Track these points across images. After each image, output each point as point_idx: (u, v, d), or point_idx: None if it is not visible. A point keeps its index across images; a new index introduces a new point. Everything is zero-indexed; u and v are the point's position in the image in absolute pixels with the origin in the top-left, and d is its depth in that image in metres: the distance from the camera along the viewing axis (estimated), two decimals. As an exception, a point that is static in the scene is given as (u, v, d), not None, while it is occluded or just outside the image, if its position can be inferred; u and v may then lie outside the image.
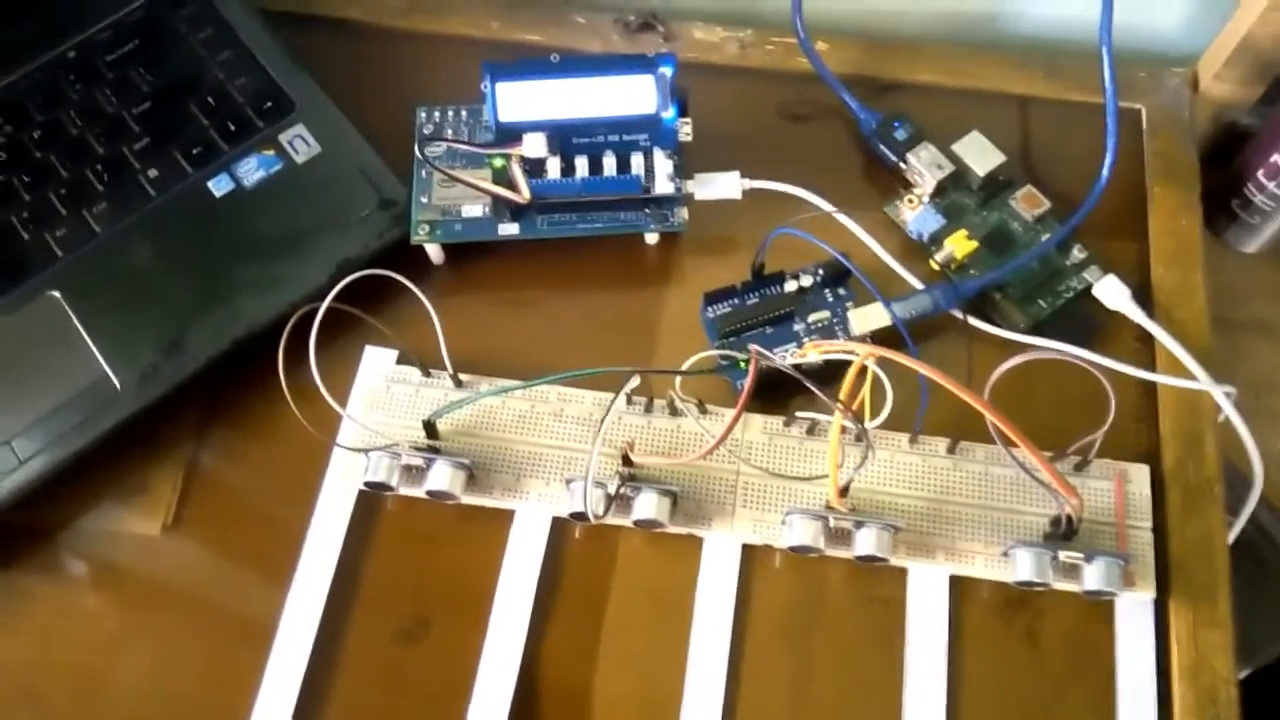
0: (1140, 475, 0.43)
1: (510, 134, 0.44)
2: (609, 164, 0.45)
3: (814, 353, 0.42)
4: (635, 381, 0.41)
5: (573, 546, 0.43)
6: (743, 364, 0.40)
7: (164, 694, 0.41)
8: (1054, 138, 0.52)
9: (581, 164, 0.45)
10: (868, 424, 0.39)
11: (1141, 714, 0.39)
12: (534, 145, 0.44)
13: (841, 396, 0.36)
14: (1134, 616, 0.41)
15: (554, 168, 0.45)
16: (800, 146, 0.52)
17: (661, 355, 0.47)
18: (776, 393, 0.45)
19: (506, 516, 0.43)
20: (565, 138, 0.45)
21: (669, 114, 0.44)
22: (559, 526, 0.43)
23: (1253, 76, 0.52)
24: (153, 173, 0.48)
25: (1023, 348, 0.44)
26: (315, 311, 0.39)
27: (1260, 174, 0.50)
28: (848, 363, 0.41)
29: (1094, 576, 0.39)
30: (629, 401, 0.44)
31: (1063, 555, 0.40)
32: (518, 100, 0.43)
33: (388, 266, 0.42)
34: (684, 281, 0.48)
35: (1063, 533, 0.40)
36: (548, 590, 0.42)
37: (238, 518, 0.44)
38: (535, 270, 0.49)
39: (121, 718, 0.41)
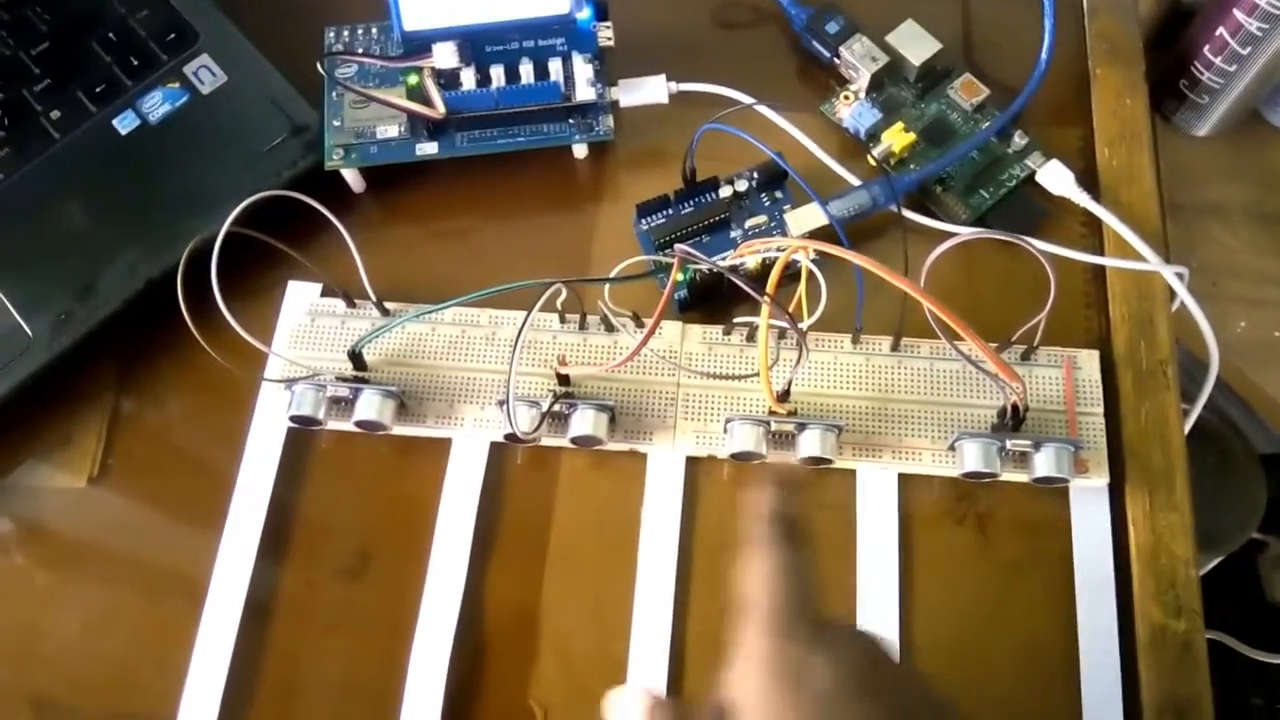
0: (1090, 361, 0.41)
1: (419, 44, 0.42)
2: (526, 72, 0.43)
3: (747, 254, 0.40)
4: (562, 294, 0.40)
5: (513, 471, 0.42)
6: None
7: (99, 649, 0.40)
8: (993, 24, 0.50)
9: (497, 73, 0.43)
10: (803, 322, 0.38)
11: (1100, 600, 0.39)
12: (444, 55, 0.42)
13: (769, 290, 0.34)
14: (1089, 503, 0.40)
15: (468, 79, 0.43)
16: (732, 49, 0.50)
17: (597, 272, 0.45)
18: (717, 304, 0.44)
19: (444, 445, 0.42)
20: (477, 45, 0.43)
21: (584, 14, 0.42)
22: (498, 452, 0.42)
23: (1197, -50, 0.51)
24: (55, 114, 0.46)
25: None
26: (223, 242, 0.37)
27: (1206, 50, 0.48)
28: (795, 273, 0.39)
29: (1044, 463, 0.38)
30: (563, 320, 0.43)
31: (1010, 444, 0.38)
32: (423, 6, 0.41)
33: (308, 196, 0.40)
34: (617, 196, 0.47)
35: (1010, 422, 0.39)
36: (489, 517, 0.41)
37: (167, 465, 0.43)
38: (463, 193, 0.47)
39: (56, 675, 0.40)
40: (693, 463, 0.41)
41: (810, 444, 0.39)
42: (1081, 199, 0.44)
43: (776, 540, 0.30)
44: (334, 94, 0.45)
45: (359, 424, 0.41)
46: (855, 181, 0.45)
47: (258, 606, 0.40)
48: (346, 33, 0.46)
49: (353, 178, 0.45)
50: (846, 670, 0.27)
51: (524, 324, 0.35)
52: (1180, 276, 0.43)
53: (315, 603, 0.40)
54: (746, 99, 0.46)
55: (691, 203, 0.45)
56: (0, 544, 0.42)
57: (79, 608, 0.41)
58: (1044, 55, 0.45)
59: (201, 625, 0.39)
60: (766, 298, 0.34)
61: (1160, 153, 0.47)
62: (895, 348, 0.41)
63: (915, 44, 0.46)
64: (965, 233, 0.38)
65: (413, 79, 0.44)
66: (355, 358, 0.41)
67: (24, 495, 0.42)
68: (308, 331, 0.43)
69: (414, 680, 0.38)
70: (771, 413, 0.39)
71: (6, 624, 0.40)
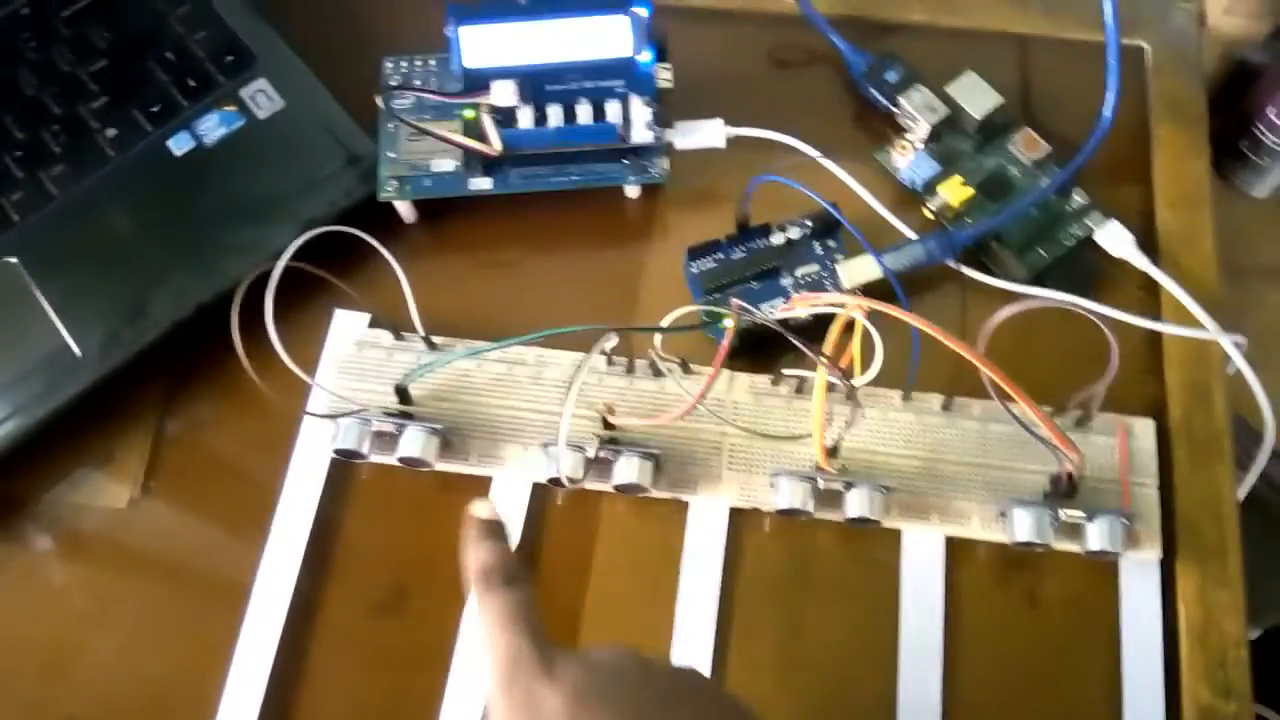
0: (1145, 430, 0.41)
1: (478, 82, 0.42)
2: (583, 112, 0.43)
3: (801, 307, 0.40)
4: (613, 341, 0.39)
5: (554, 514, 0.42)
6: (725, 320, 0.38)
7: (135, 670, 0.40)
8: (1054, 78, 0.49)
9: (555, 113, 0.43)
10: (856, 380, 0.37)
11: (1147, 677, 0.38)
12: (503, 93, 0.42)
13: (826, 350, 0.34)
14: (1139, 577, 0.39)
15: (526, 117, 0.43)
16: (788, 93, 0.50)
17: (644, 313, 0.45)
18: (765, 351, 0.43)
19: (485, 484, 0.42)
20: (536, 85, 0.42)
21: (645, 57, 0.42)
22: (539, 493, 0.42)
23: (1263, 10, 0.50)
24: (111, 133, 0.46)
25: (1021, 298, 0.42)
26: (273, 274, 0.37)
27: (1270, 112, 0.48)
28: (847, 326, 0.39)
29: (1096, 536, 0.38)
30: (610, 363, 0.42)
31: (1063, 514, 0.38)
32: (484, 45, 0.41)
33: (358, 226, 0.40)
34: (667, 237, 0.46)
35: (1063, 491, 0.38)
36: (528, 558, 0.41)
37: (208, 489, 0.43)
38: (513, 228, 0.47)
39: (92, 694, 0.40)
40: (736, 514, 0.41)
41: (858, 504, 0.38)
42: (1140, 262, 0.44)
43: (490, 590, 0.30)
44: (390, 126, 0.45)
45: (402, 460, 0.40)
46: (909, 233, 0.45)
47: (294, 637, 0.39)
48: (405, 64, 0.46)
49: (405, 209, 0.45)
50: (573, 690, 0.27)
51: (579, 372, 0.35)
52: (1238, 346, 0.42)
53: (351, 635, 0.40)
54: (802, 146, 0.45)
55: (743, 248, 0.44)
56: (40, 561, 0.42)
57: (115, 629, 0.41)
58: (1107, 114, 0.45)
59: (237, 653, 0.39)
60: (824, 359, 0.33)
61: (1217, 213, 0.46)
62: (947, 407, 0.41)
63: (975, 96, 0.46)
64: (1030, 300, 0.38)
65: (469, 113, 0.43)
66: (401, 392, 0.41)
67: (65, 513, 0.42)
68: (353, 362, 0.43)
69: (448, 721, 0.38)
70: (819, 469, 0.39)
71: (43, 642, 0.40)
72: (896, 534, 0.40)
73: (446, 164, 0.44)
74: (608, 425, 0.41)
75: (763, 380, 0.42)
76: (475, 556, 0.32)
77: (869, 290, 0.43)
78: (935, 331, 0.33)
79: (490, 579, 0.31)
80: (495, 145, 0.42)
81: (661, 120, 0.44)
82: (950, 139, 0.47)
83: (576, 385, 0.34)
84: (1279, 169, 0.50)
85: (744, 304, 0.35)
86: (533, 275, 0.46)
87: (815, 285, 0.44)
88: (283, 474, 0.42)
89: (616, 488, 0.40)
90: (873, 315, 0.38)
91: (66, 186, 0.45)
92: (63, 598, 0.41)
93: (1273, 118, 0.48)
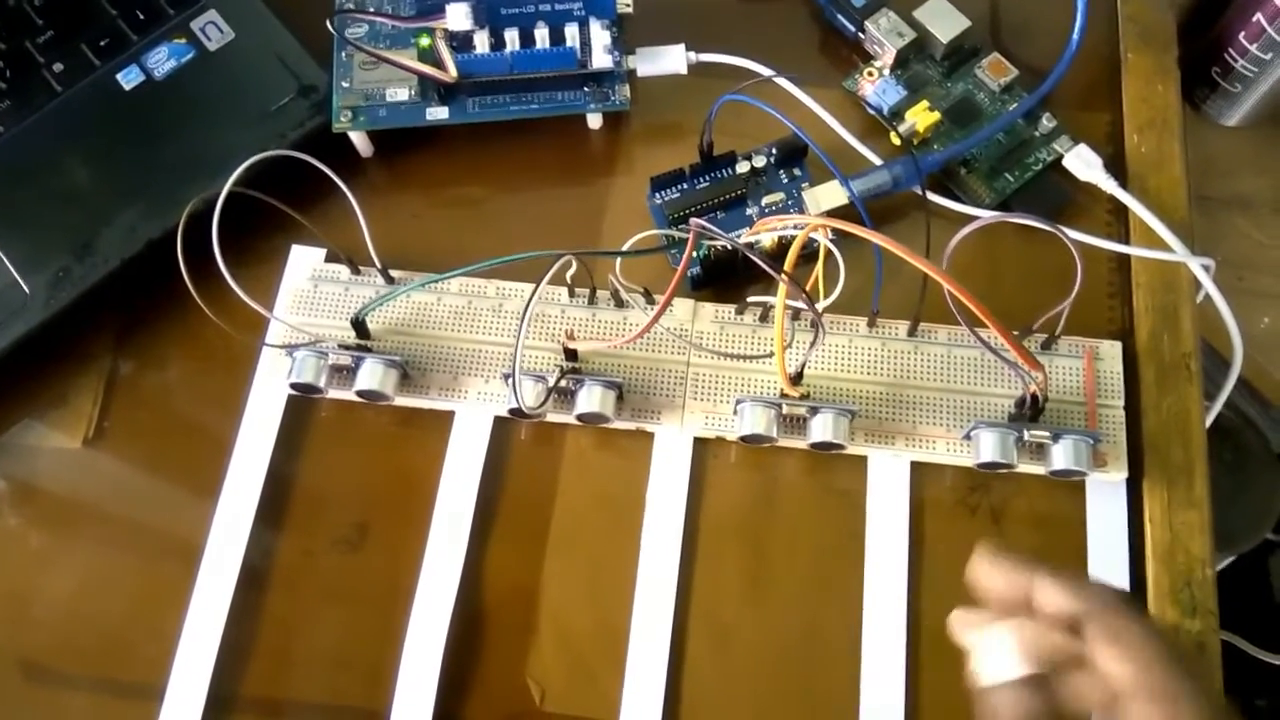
0: (1112, 352, 0.40)
1: (433, 5, 0.41)
2: (541, 36, 0.42)
3: (764, 231, 0.39)
4: (572, 267, 0.39)
5: (517, 446, 0.41)
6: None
7: (91, 613, 0.39)
8: (1022, 3, 0.48)
9: (512, 37, 0.42)
10: (820, 303, 0.37)
11: (1113, 598, 0.38)
12: (458, 16, 0.41)
13: (786, 268, 0.33)
14: (1106, 498, 0.39)
15: (482, 42, 0.42)
16: (754, 22, 0.49)
17: (608, 246, 0.44)
18: (730, 282, 0.42)
19: (446, 418, 0.41)
20: (492, 8, 0.41)
21: (603, -21, 0.41)
22: (502, 426, 0.41)
23: (1235, -66, 0.49)
24: (58, 67, 0.45)
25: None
26: (226, 203, 0.36)
27: (1241, 36, 0.47)
28: (811, 253, 0.38)
29: (1061, 456, 0.37)
30: (572, 295, 0.42)
31: (1028, 434, 0.37)
32: (437, -34, 0.40)
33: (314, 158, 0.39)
34: (631, 168, 0.45)
35: (1028, 412, 0.38)
36: (491, 492, 0.40)
37: (164, 429, 0.42)
38: (473, 160, 0.46)
39: (48, 638, 0.39)
40: (700, 444, 0.40)
41: (822, 429, 0.38)
42: (1108, 185, 0.43)
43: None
44: (343, 54, 0.43)
45: (360, 393, 0.40)
46: (876, 160, 0.44)
47: (253, 574, 0.39)
48: (358, -9, 0.45)
49: (360, 141, 0.44)
50: None
51: (532, 296, 0.34)
52: (1206, 268, 0.42)
53: (311, 573, 0.39)
54: (767, 71, 0.44)
55: (707, 177, 0.44)
56: (-7, 504, 0.41)
57: (71, 571, 0.40)
58: (1075, 37, 0.44)
59: (195, 592, 0.38)
60: (784, 276, 0.33)
61: (1188, 142, 0.46)
62: (912, 333, 0.40)
63: (943, 20, 0.45)
64: (990, 216, 0.37)
65: (425, 40, 0.42)
66: (358, 325, 0.40)
67: (18, 455, 0.42)
68: (310, 297, 0.42)
69: (410, 655, 0.37)
70: (783, 395, 0.38)
71: (-1, 585, 0.40)
72: (862, 460, 0.40)
73: (402, 93, 0.43)
74: (570, 356, 0.40)
75: (727, 310, 0.41)
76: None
77: (836, 217, 0.42)
78: (897, 249, 0.33)
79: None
80: (451, 71, 0.41)
81: (622, 46, 0.43)
82: (918, 64, 0.46)
83: (531, 306, 0.33)
84: (1251, 96, 0.50)
85: (704, 224, 0.34)
86: (494, 209, 0.45)
87: (782, 213, 0.43)
88: (240, 412, 0.41)
89: (579, 418, 0.39)
90: (841, 244, 0.38)
91: (12, 122, 0.44)
92: (17, 540, 0.40)
93: (1244, 42, 0.47)
